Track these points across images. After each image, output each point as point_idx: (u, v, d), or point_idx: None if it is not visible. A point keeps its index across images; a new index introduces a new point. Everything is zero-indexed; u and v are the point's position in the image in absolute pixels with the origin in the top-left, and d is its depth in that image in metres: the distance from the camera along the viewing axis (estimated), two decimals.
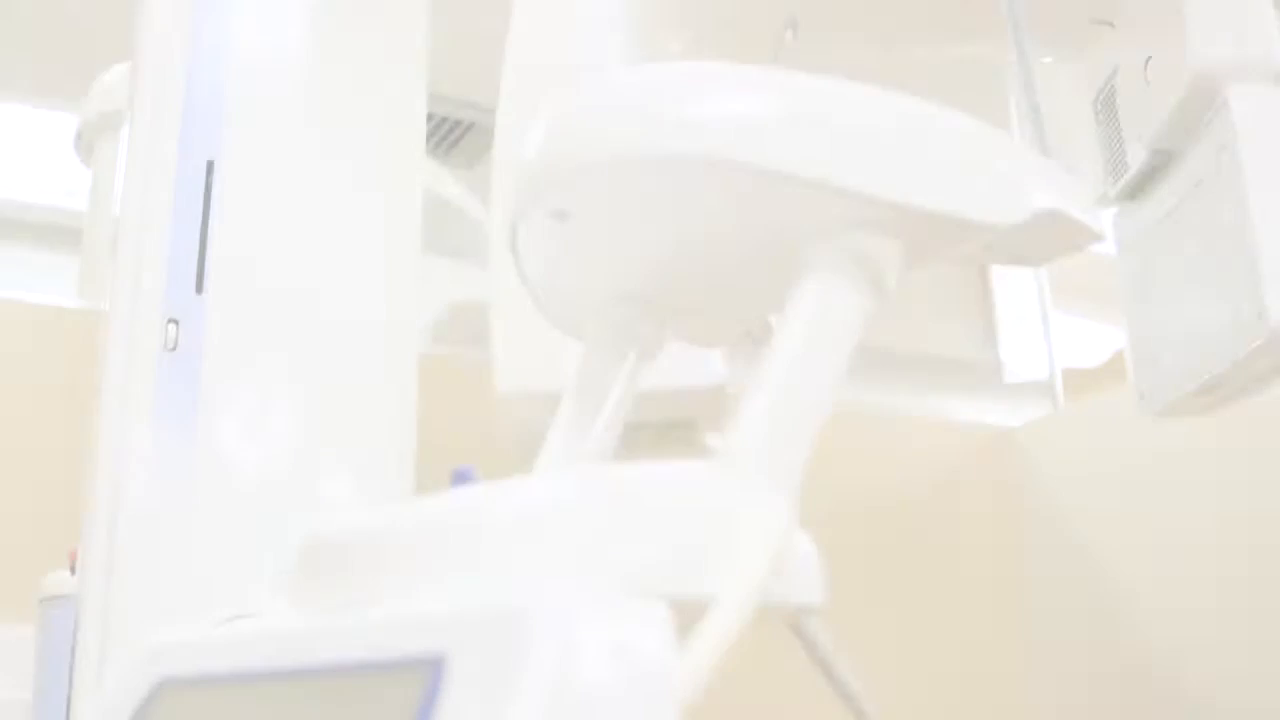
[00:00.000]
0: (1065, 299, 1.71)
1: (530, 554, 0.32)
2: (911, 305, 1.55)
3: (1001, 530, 1.41)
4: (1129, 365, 1.79)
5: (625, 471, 0.34)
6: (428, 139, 0.88)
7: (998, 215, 0.43)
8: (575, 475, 0.34)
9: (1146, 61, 0.87)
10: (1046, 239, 0.48)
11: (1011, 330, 1.65)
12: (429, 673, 0.28)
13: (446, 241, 1.23)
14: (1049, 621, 1.38)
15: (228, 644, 0.34)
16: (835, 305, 0.41)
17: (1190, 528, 1.23)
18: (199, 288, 0.73)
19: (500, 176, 0.88)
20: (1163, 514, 1.26)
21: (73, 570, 0.71)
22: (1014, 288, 1.68)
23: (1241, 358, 0.79)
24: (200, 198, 0.75)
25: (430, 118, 1.06)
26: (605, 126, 0.41)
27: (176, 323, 0.72)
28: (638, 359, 0.49)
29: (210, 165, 0.75)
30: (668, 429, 0.80)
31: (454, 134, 1.42)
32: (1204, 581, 1.21)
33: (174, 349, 0.72)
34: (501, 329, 0.81)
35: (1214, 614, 1.19)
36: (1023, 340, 1.65)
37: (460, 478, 0.36)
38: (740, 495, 0.36)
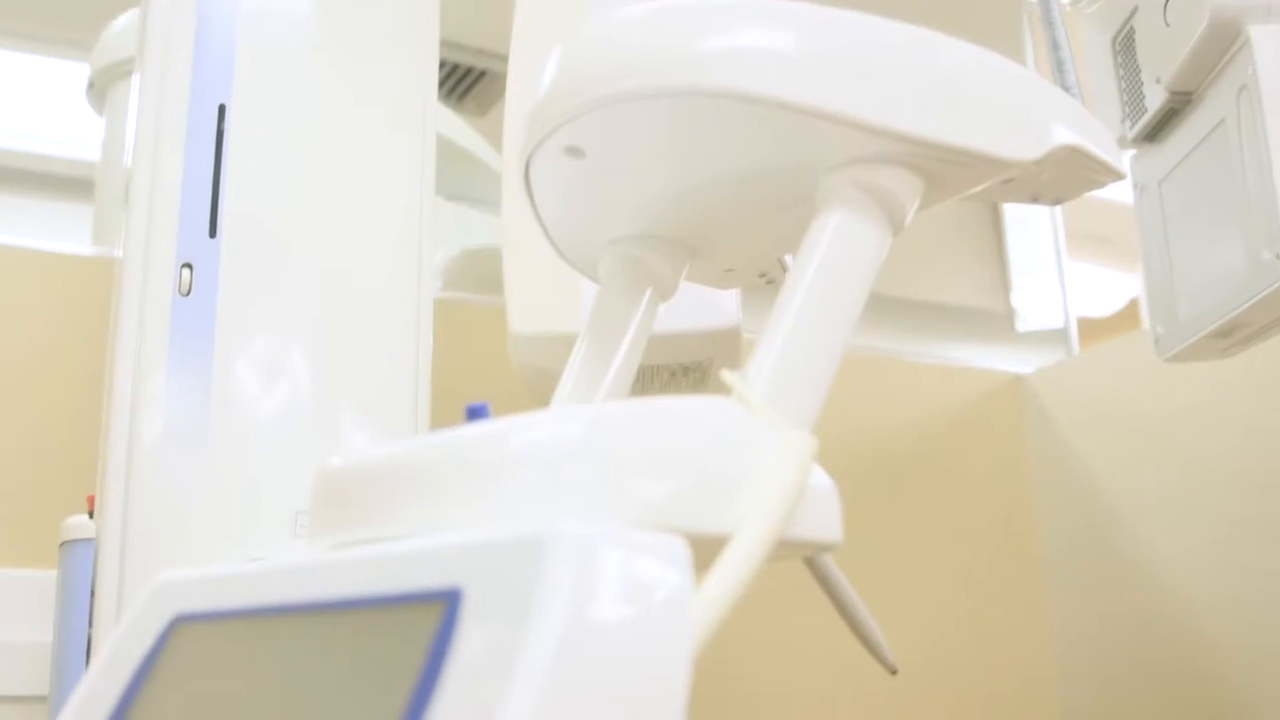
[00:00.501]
0: (1080, 248, 1.70)
1: (546, 486, 0.32)
2: (924, 254, 1.55)
3: (1013, 474, 1.41)
4: (1145, 309, 1.78)
5: (641, 405, 0.34)
6: (440, 86, 0.87)
7: (1018, 150, 0.43)
8: (591, 409, 0.34)
9: (1166, 1, 0.86)
10: (1067, 176, 0.47)
11: (1025, 279, 1.64)
12: (445, 605, 0.28)
13: (460, 188, 1.22)
14: (1059, 563, 1.38)
15: (242, 579, 0.34)
16: (853, 239, 0.41)
17: (1202, 473, 1.23)
18: (212, 232, 0.73)
19: (512, 123, 0.88)
20: (1176, 459, 1.26)
21: (91, 515, 0.72)
22: (1027, 237, 1.67)
23: (1259, 300, 0.78)
24: (212, 142, 0.75)
25: (443, 65, 1.05)
26: (618, 61, 0.40)
27: (190, 267, 0.73)
28: (653, 298, 0.49)
29: (222, 109, 0.75)
30: (681, 372, 0.80)
31: (467, 81, 1.42)
32: (1215, 525, 1.21)
33: (188, 294, 0.72)
34: (514, 271, 0.81)
35: (1224, 558, 1.19)
36: (1036, 289, 1.64)
37: (474, 414, 0.36)
38: (759, 429, 0.35)
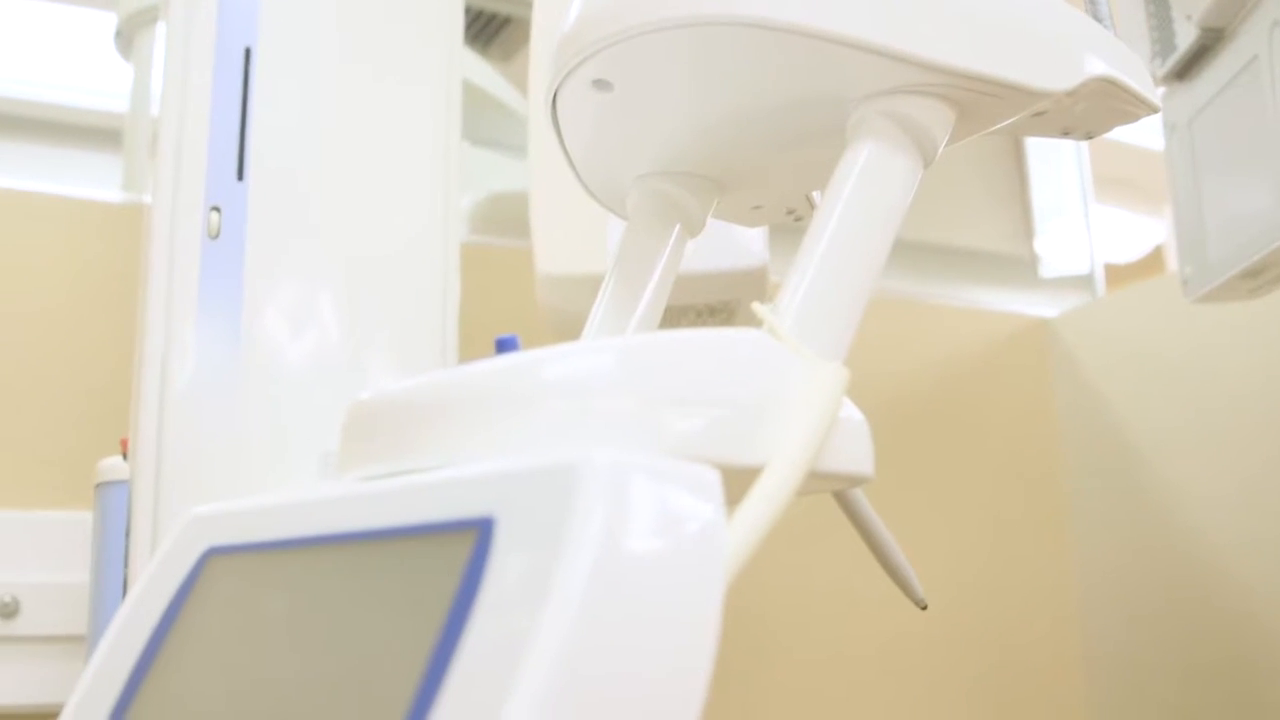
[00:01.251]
0: (1104, 193, 1.68)
1: (576, 418, 0.32)
2: (946, 199, 1.54)
3: (1038, 417, 1.41)
4: (1170, 254, 1.76)
5: (672, 337, 0.34)
6: (465, 32, 0.87)
7: (1051, 81, 0.42)
8: (621, 340, 0.34)
9: None
10: (1099, 109, 0.47)
11: (1048, 225, 1.62)
12: (478, 534, 0.28)
13: (485, 133, 1.22)
14: (1084, 504, 1.38)
15: (274, 512, 0.34)
16: (884, 171, 0.40)
17: (1229, 413, 1.22)
18: (240, 175, 0.73)
19: (538, 63, 0.87)
20: (1202, 400, 1.25)
21: (125, 457, 0.72)
22: (1051, 181, 1.65)
23: None
24: (239, 85, 0.75)
25: (468, 11, 1.05)
26: None
27: (219, 210, 0.73)
28: (681, 234, 0.49)
29: (248, 52, 0.75)
30: (708, 313, 0.80)
31: (492, 27, 1.41)
32: (1241, 465, 1.20)
33: (216, 237, 0.72)
34: (541, 213, 0.81)
35: (1250, 497, 1.19)
36: (1060, 235, 1.62)
37: (503, 346, 0.36)
38: (790, 361, 0.35)
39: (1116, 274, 1.63)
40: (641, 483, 0.28)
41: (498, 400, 0.33)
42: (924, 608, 0.47)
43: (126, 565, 0.69)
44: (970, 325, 1.42)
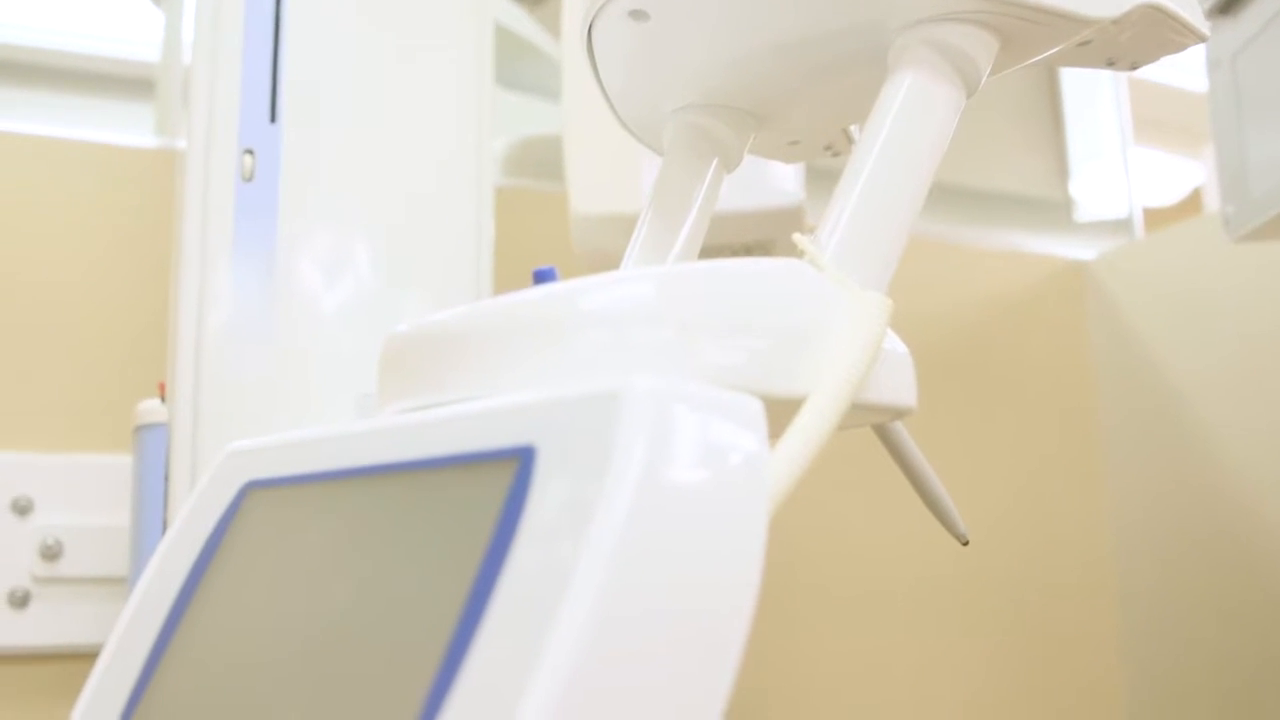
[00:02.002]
0: (1140, 135, 1.66)
1: (615, 347, 0.32)
2: (980, 141, 1.52)
3: (1074, 359, 1.40)
4: (1208, 196, 1.73)
5: (711, 266, 0.33)
6: None
7: (1097, 8, 0.41)
8: (660, 269, 0.34)
9: None
10: (1146, 38, 0.46)
11: (1084, 167, 1.60)
12: (519, 463, 0.28)
13: (517, 77, 1.21)
14: (1120, 446, 1.37)
15: (312, 445, 0.34)
16: (927, 100, 0.39)
17: (1267, 356, 1.20)
18: (272, 117, 0.73)
19: (572, 3, 0.86)
20: (1240, 342, 1.24)
21: (163, 400, 0.73)
22: (1088, 123, 1.63)
23: None
24: (270, 27, 0.74)
25: None
26: None
27: (252, 153, 0.72)
28: (719, 168, 0.48)
29: None
30: (744, 251, 0.80)
31: None
32: (1278, 406, 1.19)
33: (250, 179, 0.72)
34: (575, 153, 0.80)
35: None
36: (1096, 177, 1.60)
37: (541, 277, 0.36)
38: (832, 291, 0.35)
39: (1153, 218, 1.61)
40: (684, 411, 0.27)
41: (535, 330, 0.32)
42: (965, 543, 0.46)
43: (166, 507, 0.69)
44: (1006, 267, 1.41)
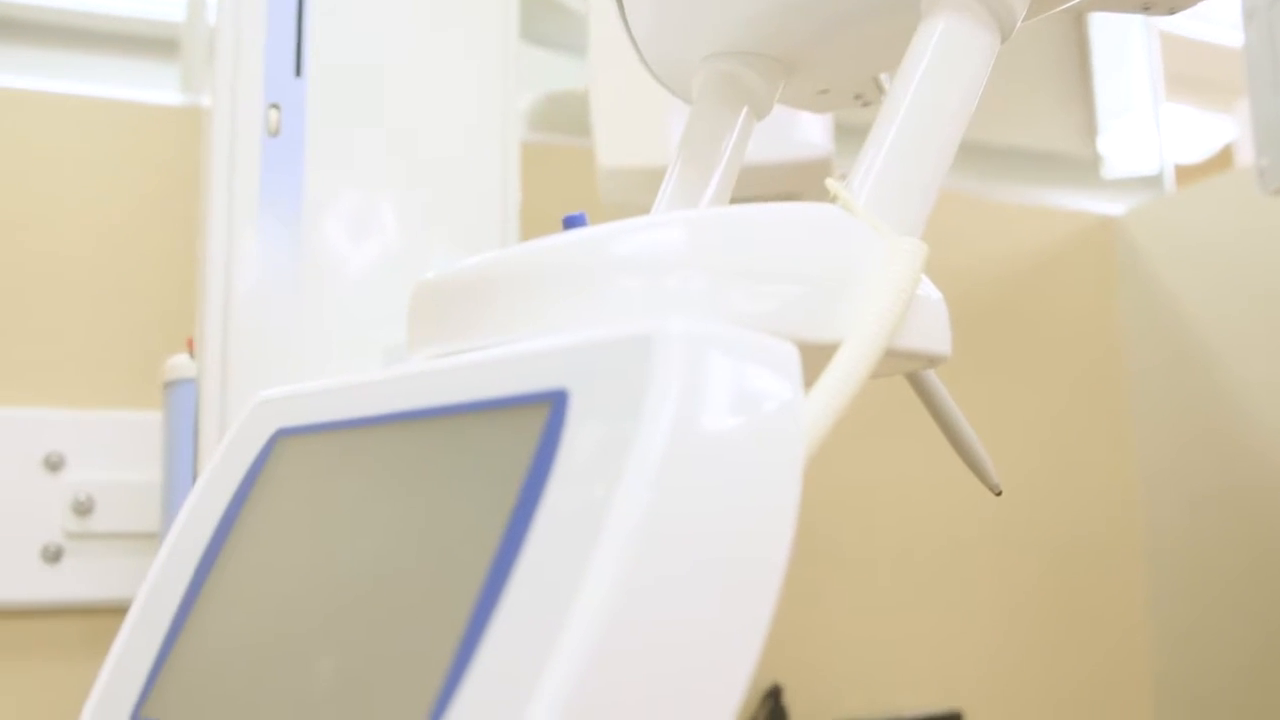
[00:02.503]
0: (1170, 90, 1.64)
1: (646, 292, 0.31)
2: (1009, 97, 1.50)
3: (1103, 313, 1.39)
4: (1244, 146, 1.71)
5: (743, 210, 0.33)
6: None
7: None
8: (692, 213, 0.33)
9: None
10: None
11: (1114, 123, 1.58)
12: (551, 406, 0.27)
13: (543, 32, 1.20)
14: (1148, 400, 1.36)
15: (343, 392, 0.34)
16: (961, 43, 0.39)
17: None
18: (298, 70, 0.73)
19: None
20: (1270, 298, 1.23)
21: (191, 355, 0.73)
22: (1117, 79, 1.60)
23: None
24: None
25: None
26: None
27: (278, 107, 0.72)
28: (749, 117, 0.48)
29: None
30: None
31: None
32: None
33: (276, 134, 0.72)
34: (601, 105, 0.80)
35: None
36: (1125, 134, 1.58)
37: (571, 224, 0.35)
38: (867, 235, 0.34)
39: (1182, 175, 1.59)
40: (718, 354, 0.27)
41: (565, 275, 0.32)
42: (998, 493, 0.46)
43: (195, 462, 0.69)
44: (1035, 222, 1.39)
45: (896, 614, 1.23)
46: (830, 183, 0.36)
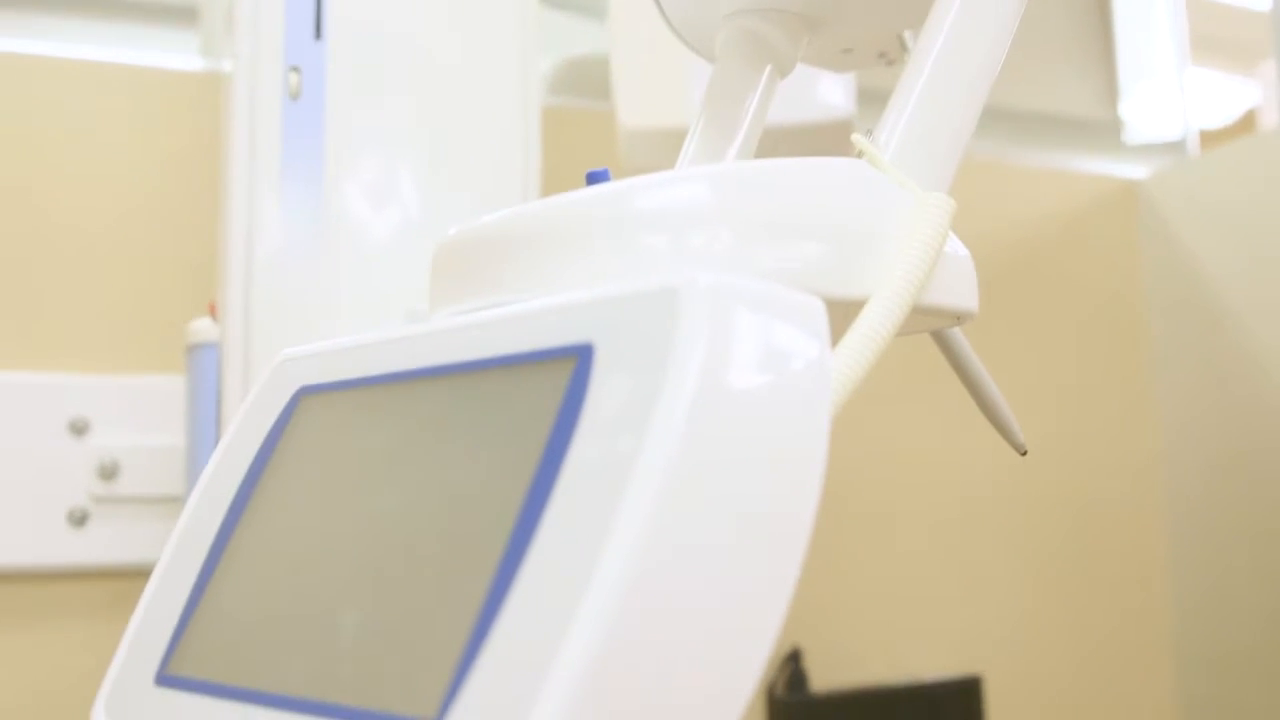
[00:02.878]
0: (1196, 53, 1.62)
1: (670, 248, 0.31)
2: (1029, 61, 1.48)
3: (1125, 278, 1.38)
4: (1274, 105, 1.69)
5: (767, 164, 0.33)
6: None
7: None
8: (716, 168, 0.33)
9: None
10: None
11: (1136, 88, 1.56)
12: (576, 361, 0.27)
13: None
14: (1170, 366, 1.35)
15: (366, 349, 0.34)
16: None
17: None
18: (317, 33, 0.72)
19: None
20: None
21: (214, 320, 0.73)
22: (1139, 43, 1.59)
23: None
24: None
25: None
26: None
27: (298, 70, 0.72)
28: (772, 75, 0.47)
29: None
30: None
31: None
32: None
33: (297, 97, 0.71)
34: (622, 66, 0.79)
35: None
36: (1148, 98, 1.56)
37: (594, 179, 0.35)
38: (893, 190, 0.34)
39: (1206, 139, 1.57)
40: (746, 308, 0.27)
41: (587, 230, 0.32)
42: (1024, 453, 0.46)
43: (219, 425, 0.70)
44: (1057, 186, 1.38)
45: (916, 578, 1.23)
46: (856, 137, 0.36)
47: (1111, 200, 1.40)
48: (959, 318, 0.36)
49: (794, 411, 0.27)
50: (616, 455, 0.25)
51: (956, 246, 0.35)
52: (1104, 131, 1.52)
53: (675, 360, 0.25)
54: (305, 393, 0.35)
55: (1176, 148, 1.54)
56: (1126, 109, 1.54)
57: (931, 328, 0.39)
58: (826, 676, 1.14)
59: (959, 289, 0.35)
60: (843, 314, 0.32)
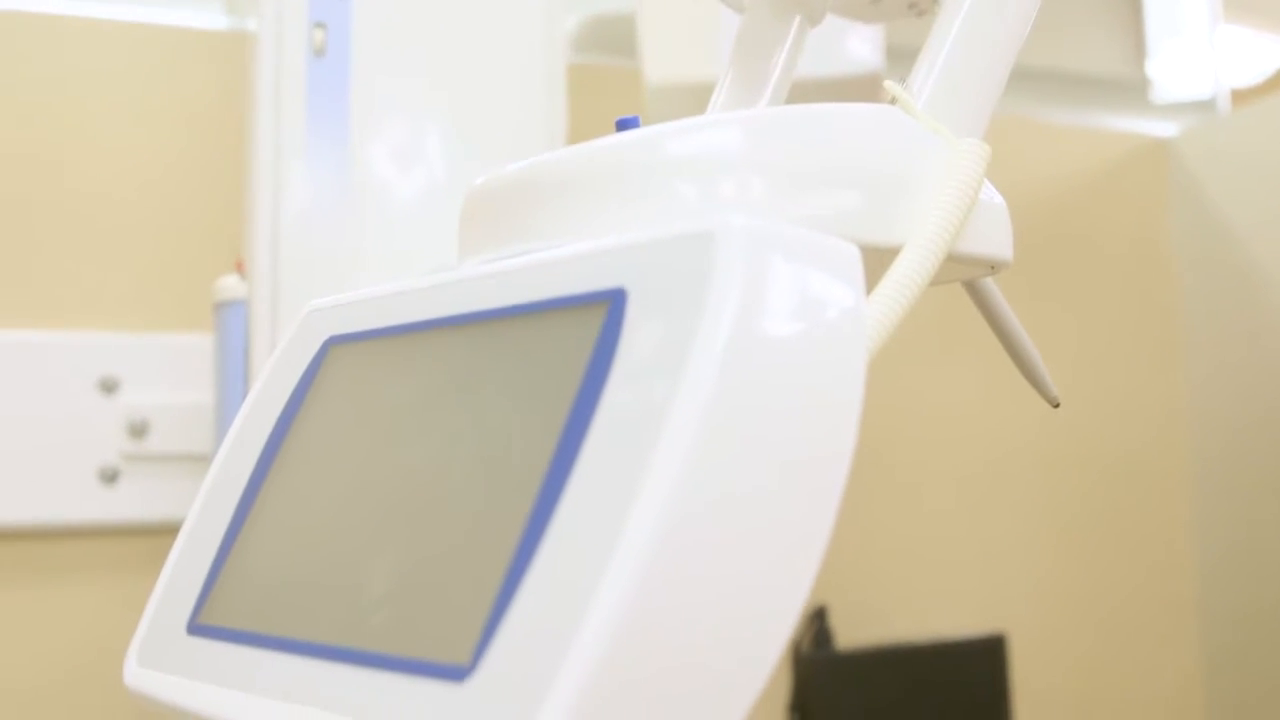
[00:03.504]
0: (1228, 11, 1.59)
1: (702, 195, 0.31)
2: (1055, 19, 1.46)
3: (1153, 236, 1.36)
4: None
5: (800, 110, 0.32)
6: None
7: None
8: (748, 113, 0.32)
9: None
10: None
11: (1164, 46, 1.54)
12: (608, 306, 0.27)
13: None
14: (1198, 323, 1.34)
15: (395, 298, 0.34)
16: None
17: None
18: None
19: None
20: None
21: (241, 277, 0.73)
22: (1169, 1, 1.56)
23: None
24: None
25: None
26: None
27: (323, 26, 0.72)
28: (802, 25, 0.46)
29: None
30: None
31: None
32: None
33: (322, 53, 0.71)
34: (649, 20, 0.78)
35: None
36: (1176, 56, 1.54)
37: (624, 127, 0.34)
38: (927, 136, 0.33)
39: (1236, 99, 1.55)
40: (780, 253, 0.26)
41: (618, 176, 0.31)
42: (1056, 405, 0.45)
43: (246, 382, 0.70)
44: (1086, 143, 1.37)
45: (941, 536, 1.23)
46: (890, 84, 0.35)
47: (1141, 158, 1.39)
48: (993, 267, 0.35)
49: (829, 358, 0.27)
50: (651, 401, 0.25)
51: (992, 194, 0.35)
52: (1132, 90, 1.51)
53: (710, 305, 0.25)
54: (334, 342, 0.35)
55: (1206, 107, 1.52)
56: (1155, 67, 1.52)
57: (966, 277, 0.38)
58: (852, 634, 1.14)
59: (994, 237, 0.34)
60: (876, 261, 0.31)
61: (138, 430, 0.91)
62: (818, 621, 1.12)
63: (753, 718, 0.26)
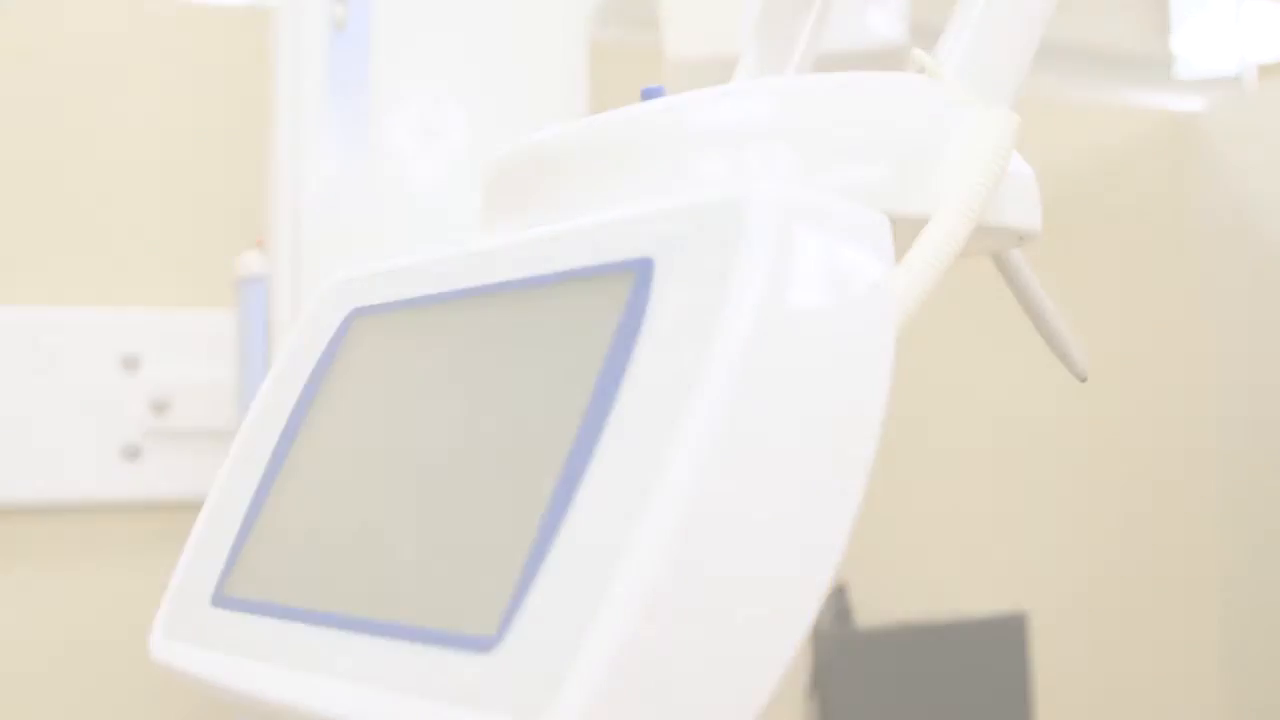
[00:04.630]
0: None
1: (730, 163, 0.30)
2: None
3: (1178, 211, 1.35)
4: None
5: (828, 79, 0.32)
6: None
7: None
8: (776, 81, 0.32)
9: None
10: None
11: (1189, 19, 1.52)
12: (635, 276, 0.27)
13: None
14: (1220, 297, 1.33)
15: (420, 269, 0.33)
16: None
17: None
18: None
19: None
20: None
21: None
22: None
23: None
24: None
25: None
26: None
27: (344, 0, 0.71)
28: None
29: None
30: None
31: None
32: None
33: (342, 27, 0.71)
34: None
35: None
36: (1201, 30, 1.52)
37: (649, 96, 0.34)
38: (956, 106, 0.33)
39: (1263, 74, 1.54)
40: (809, 222, 0.26)
41: (644, 145, 0.31)
42: (1084, 379, 0.45)
43: (269, 358, 0.70)
44: (1108, 119, 1.36)
45: (962, 514, 1.23)
46: (917, 53, 0.35)
47: (1166, 134, 1.38)
48: (1022, 237, 0.35)
49: (859, 328, 0.27)
50: (679, 370, 0.24)
51: (1020, 164, 0.35)
52: (1154, 66, 1.49)
53: (739, 273, 0.25)
54: (358, 314, 0.35)
55: (1231, 84, 1.50)
56: (1180, 42, 1.51)
57: (994, 248, 0.38)
58: (871, 611, 1.14)
59: (1023, 207, 0.34)
60: (904, 231, 0.31)
61: (160, 407, 0.91)
62: (838, 598, 1.12)
63: (772, 694, 0.25)
